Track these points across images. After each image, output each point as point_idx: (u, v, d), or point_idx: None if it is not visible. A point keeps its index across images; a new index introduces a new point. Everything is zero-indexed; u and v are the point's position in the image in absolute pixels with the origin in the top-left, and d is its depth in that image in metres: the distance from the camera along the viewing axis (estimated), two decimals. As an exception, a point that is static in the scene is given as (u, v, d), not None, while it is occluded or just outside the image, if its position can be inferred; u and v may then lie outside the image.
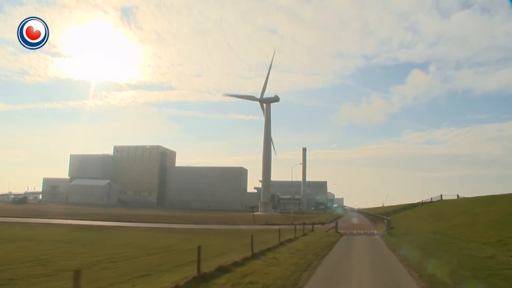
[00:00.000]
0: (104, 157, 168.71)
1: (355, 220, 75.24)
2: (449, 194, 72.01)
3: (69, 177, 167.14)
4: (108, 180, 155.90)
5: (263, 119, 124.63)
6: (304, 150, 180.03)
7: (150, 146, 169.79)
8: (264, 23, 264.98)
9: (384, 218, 54.97)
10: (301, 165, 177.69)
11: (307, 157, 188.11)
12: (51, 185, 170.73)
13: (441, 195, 72.89)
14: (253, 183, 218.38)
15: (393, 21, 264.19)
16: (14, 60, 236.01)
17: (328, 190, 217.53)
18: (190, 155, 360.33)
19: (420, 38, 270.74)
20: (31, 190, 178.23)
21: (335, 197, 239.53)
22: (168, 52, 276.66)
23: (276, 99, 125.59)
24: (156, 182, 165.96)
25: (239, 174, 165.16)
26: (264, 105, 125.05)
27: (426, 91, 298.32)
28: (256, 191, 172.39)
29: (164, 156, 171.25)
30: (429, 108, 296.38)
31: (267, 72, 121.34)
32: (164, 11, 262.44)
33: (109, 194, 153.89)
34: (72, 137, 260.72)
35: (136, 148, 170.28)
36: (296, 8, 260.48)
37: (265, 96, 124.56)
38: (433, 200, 73.64)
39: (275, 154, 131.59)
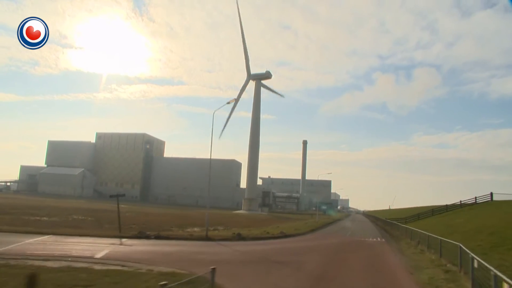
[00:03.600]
0: (84, 145, 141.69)
1: (354, 231, 41.11)
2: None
3: (46, 166, 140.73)
4: (83, 169, 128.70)
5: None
6: (305, 143, 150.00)
7: (136, 134, 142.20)
8: (278, 19, 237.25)
9: (407, 228, 25.70)
10: (301, 160, 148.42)
11: (315, 157, 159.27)
12: (28, 174, 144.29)
13: (491, 193, 43.76)
14: None
15: (411, 20, 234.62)
16: (25, 50, 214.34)
17: (333, 191, 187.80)
18: (196, 152, 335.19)
19: (438, 38, 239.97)
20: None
21: (340, 198, 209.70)
22: (180, 46, 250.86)
23: (267, 75, 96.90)
24: (140, 174, 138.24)
25: (231, 167, 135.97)
26: (255, 82, 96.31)
27: (439, 94, 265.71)
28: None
29: (150, 146, 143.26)
30: (442, 111, 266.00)
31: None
32: (177, 3, 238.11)
33: (83, 184, 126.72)
34: (81, 130, 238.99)
35: (120, 135, 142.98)
36: (312, 4, 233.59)
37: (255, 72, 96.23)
38: (478, 201, 44.38)
39: (283, 97, 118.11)
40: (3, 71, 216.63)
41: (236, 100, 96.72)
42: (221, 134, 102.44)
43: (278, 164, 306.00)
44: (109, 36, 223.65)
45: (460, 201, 46.70)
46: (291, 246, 19.34)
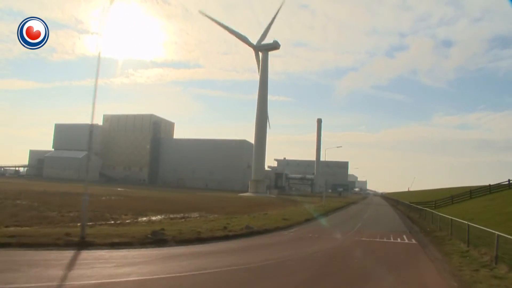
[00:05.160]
0: (91, 127, 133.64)
1: (367, 220, 28.94)
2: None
3: (53, 149, 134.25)
4: (86, 152, 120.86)
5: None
6: (319, 121, 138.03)
7: (143, 115, 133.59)
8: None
9: (453, 221, 14.79)
10: (315, 140, 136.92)
11: (333, 139, 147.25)
12: (37, 158, 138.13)
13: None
14: (269, 162, 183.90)
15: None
16: None
17: (350, 172, 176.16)
18: (212, 135, 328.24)
19: (463, 13, 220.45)
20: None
21: (358, 179, 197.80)
22: (196, 28, 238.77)
23: (275, 45, 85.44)
24: (148, 156, 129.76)
25: (242, 148, 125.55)
26: (260, 54, 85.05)
27: (463, 72, 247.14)
28: (269, 169, 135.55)
29: (157, 127, 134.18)
30: (464, 91, 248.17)
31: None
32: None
33: (88, 167, 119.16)
34: (99, 115, 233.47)
35: (127, 117, 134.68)
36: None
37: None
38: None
39: (269, 127, 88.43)
40: (22, 58, 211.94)
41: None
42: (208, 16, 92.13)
43: (295, 146, 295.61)
44: (124, 20, 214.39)
45: (509, 180, 35.22)
46: (222, 268, 9.00)
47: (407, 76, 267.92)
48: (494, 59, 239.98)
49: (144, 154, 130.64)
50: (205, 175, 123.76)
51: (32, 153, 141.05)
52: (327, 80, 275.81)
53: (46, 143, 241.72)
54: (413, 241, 16.46)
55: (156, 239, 12.37)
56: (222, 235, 14.31)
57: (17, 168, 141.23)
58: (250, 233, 15.36)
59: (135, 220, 23.13)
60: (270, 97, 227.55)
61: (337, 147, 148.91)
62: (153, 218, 25.37)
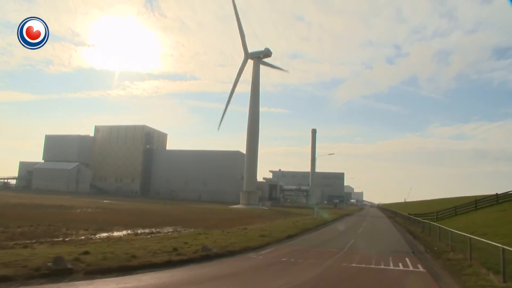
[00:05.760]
0: (82, 138, 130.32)
1: (361, 237, 24.12)
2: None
3: (43, 161, 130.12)
4: (77, 163, 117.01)
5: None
6: (314, 132, 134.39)
7: (135, 126, 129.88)
8: (291, 10, 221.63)
9: (471, 239, 10.91)
10: (310, 151, 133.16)
11: (330, 150, 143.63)
12: (27, 170, 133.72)
13: None
14: (264, 173, 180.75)
15: (429, 7, 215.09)
16: (39, 49, 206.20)
17: (346, 184, 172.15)
18: (209, 148, 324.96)
19: (457, 25, 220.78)
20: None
21: (354, 190, 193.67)
22: (192, 41, 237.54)
23: (267, 53, 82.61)
24: (140, 168, 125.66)
25: (235, 159, 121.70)
26: (252, 62, 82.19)
27: (457, 83, 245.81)
28: (264, 181, 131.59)
29: (150, 138, 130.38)
30: (459, 102, 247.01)
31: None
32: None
33: (78, 179, 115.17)
34: (92, 127, 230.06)
35: (119, 128, 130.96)
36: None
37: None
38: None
39: (288, 72, 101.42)
40: (18, 70, 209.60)
41: (234, 85, 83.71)
42: (219, 125, 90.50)
43: (291, 158, 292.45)
44: (121, 33, 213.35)
45: (519, 189, 31.49)
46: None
47: (403, 87, 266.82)
48: (488, 70, 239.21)
49: (136, 165, 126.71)
50: (199, 187, 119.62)
51: (22, 165, 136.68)
52: (323, 91, 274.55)
53: (39, 155, 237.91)
54: (420, 268, 12.44)
55: (57, 270, 8.56)
56: (164, 261, 10.52)
57: (6, 180, 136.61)
58: (204, 257, 11.56)
59: (91, 237, 19.60)
60: (266, 109, 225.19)
61: (329, 154, 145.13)
62: (115, 233, 21.78)
